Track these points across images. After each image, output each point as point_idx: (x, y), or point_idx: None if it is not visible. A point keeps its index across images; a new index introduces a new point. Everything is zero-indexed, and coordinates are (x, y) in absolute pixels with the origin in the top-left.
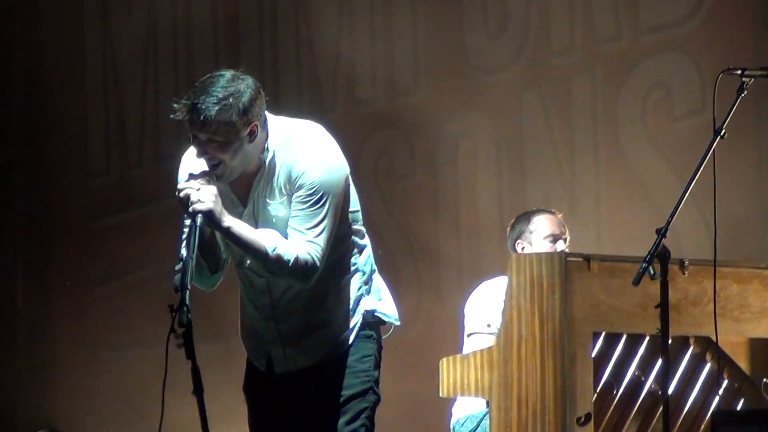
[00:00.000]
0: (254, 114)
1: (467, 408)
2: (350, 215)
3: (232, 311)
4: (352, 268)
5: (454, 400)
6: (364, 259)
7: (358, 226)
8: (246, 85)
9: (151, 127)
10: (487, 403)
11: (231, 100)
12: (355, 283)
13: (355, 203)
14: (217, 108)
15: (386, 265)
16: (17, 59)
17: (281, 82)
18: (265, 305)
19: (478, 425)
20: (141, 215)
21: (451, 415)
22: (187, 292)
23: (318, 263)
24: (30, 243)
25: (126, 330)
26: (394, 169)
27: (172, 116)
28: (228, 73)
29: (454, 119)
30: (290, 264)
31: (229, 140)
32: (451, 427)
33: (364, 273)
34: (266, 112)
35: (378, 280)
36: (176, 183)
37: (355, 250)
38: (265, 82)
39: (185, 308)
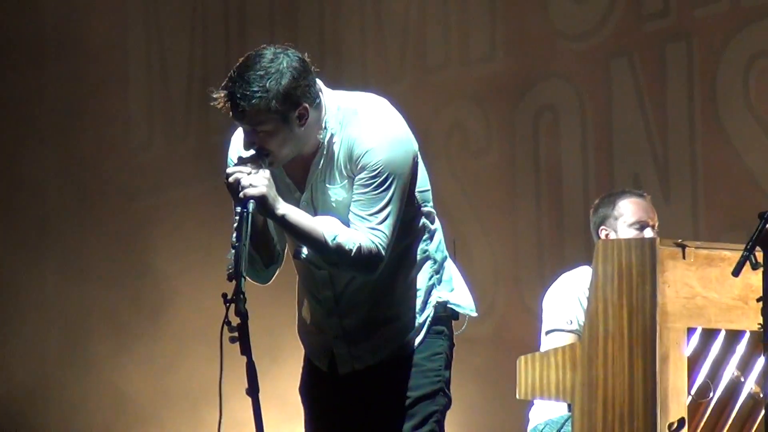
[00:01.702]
0: (301, 95)
1: (546, 412)
2: (419, 195)
3: (280, 299)
4: (422, 256)
5: (532, 403)
6: (435, 245)
7: (428, 208)
8: (288, 63)
9: (198, 98)
10: (569, 406)
11: (270, 84)
12: (426, 272)
13: (424, 182)
14: (255, 97)
15: (458, 252)
16: (52, 23)
17: (343, 49)
18: (328, 299)
19: None
20: (188, 195)
21: (528, 420)
22: (243, 280)
23: (383, 252)
24: (63, 228)
25: (172, 323)
26: (468, 145)
27: (212, 104)
28: (268, 52)
29: (534, 90)
30: (352, 254)
31: (275, 129)
32: None
33: (435, 260)
34: (321, 86)
35: (450, 268)
36: (226, 164)
37: (425, 235)
38: (326, 49)
39: (242, 297)
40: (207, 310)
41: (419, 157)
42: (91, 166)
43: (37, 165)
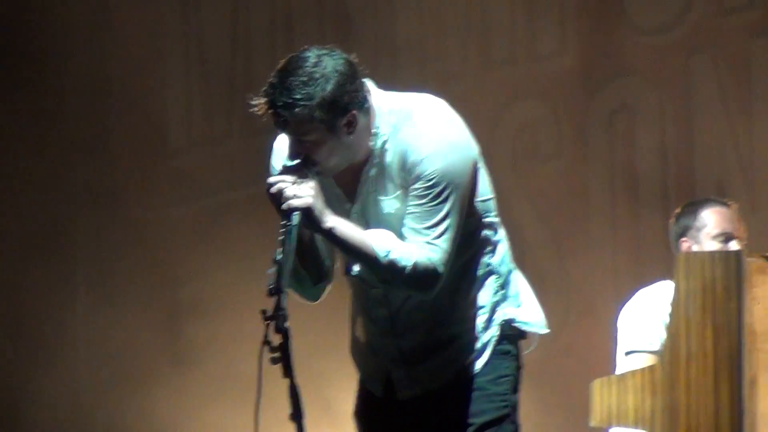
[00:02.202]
0: (348, 101)
1: None
2: (481, 206)
3: (328, 315)
4: (485, 270)
5: (607, 431)
6: (499, 258)
7: (491, 218)
8: (333, 66)
9: (240, 96)
10: None
11: (314, 91)
12: (490, 287)
13: (486, 191)
14: (298, 105)
15: (526, 265)
16: (81, 21)
17: (398, 45)
18: (383, 318)
19: None
20: (230, 199)
21: None
22: (284, 295)
23: (441, 269)
24: (94, 238)
25: (209, 342)
26: (537, 148)
27: (251, 110)
28: (311, 54)
29: (609, 87)
30: (407, 271)
31: (321, 138)
32: None
33: (499, 275)
34: (371, 87)
35: (517, 282)
36: (268, 172)
37: (488, 248)
38: (380, 46)
39: (282, 313)
40: (250, 330)
41: (480, 163)
42: (124, 172)
43: (64, 171)
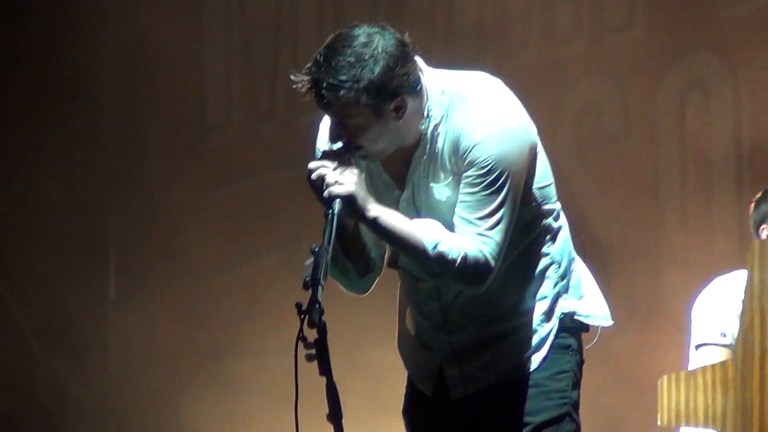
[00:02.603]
0: (397, 85)
1: None
2: (539, 192)
3: (370, 307)
4: (544, 260)
5: (677, 431)
6: (559, 247)
7: (551, 205)
8: (383, 47)
9: (284, 70)
10: None
11: (361, 74)
12: (549, 278)
13: (545, 176)
14: (343, 88)
15: (589, 253)
16: None
17: (456, 19)
18: (434, 313)
19: None
20: (271, 183)
21: None
22: (320, 288)
23: (493, 262)
24: (126, 221)
25: (245, 333)
26: (602, 129)
27: (294, 87)
28: (360, 33)
29: (680, 64)
30: (456, 265)
31: (367, 123)
32: None
33: (559, 265)
34: (423, 67)
35: (578, 272)
36: (313, 155)
37: (548, 237)
38: (436, 22)
39: (317, 306)
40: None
41: (539, 146)
42: (159, 151)
43: (95, 145)
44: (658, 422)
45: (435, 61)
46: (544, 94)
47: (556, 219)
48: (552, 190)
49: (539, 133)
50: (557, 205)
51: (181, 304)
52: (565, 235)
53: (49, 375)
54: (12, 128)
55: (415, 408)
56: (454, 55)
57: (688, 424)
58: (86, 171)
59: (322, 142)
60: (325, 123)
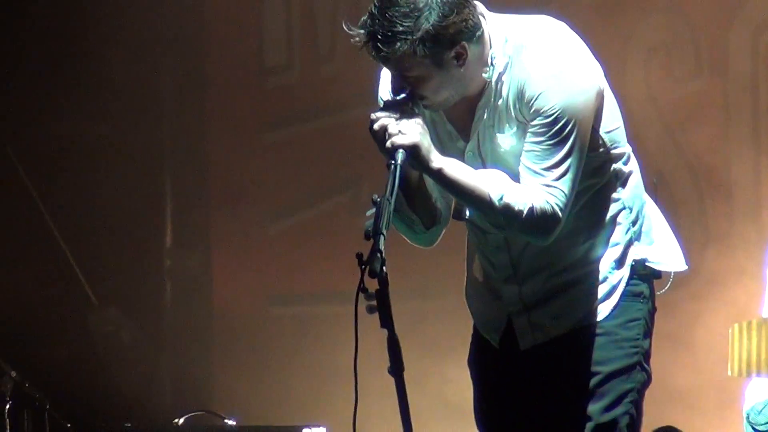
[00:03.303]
0: (455, 33)
1: (767, 391)
2: (607, 136)
3: (434, 258)
4: (615, 206)
5: (749, 379)
6: (630, 192)
7: (620, 149)
8: None
9: (347, 10)
10: None
11: (417, 24)
12: (621, 225)
13: (613, 119)
14: (399, 40)
15: (661, 197)
16: None
17: None
18: (503, 264)
19: None
20: (331, 125)
21: (744, 399)
22: (382, 238)
23: (560, 214)
24: (180, 163)
25: (305, 281)
26: (672, 68)
27: (352, 41)
28: None
29: (752, 2)
30: (523, 216)
31: (427, 74)
32: (745, 414)
33: (630, 209)
34: (484, 12)
35: (651, 216)
36: (377, 100)
37: (617, 181)
38: None
39: (379, 256)
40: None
41: (606, 89)
42: (215, 91)
43: (150, 86)
44: (729, 372)
45: (498, 1)
46: (613, 32)
47: (626, 163)
48: (621, 133)
49: (607, 74)
50: (627, 148)
51: (238, 250)
52: (636, 179)
53: (103, 321)
54: (74, 71)
55: (481, 358)
56: None
57: (759, 373)
58: (140, 112)
59: (384, 91)
60: (386, 71)
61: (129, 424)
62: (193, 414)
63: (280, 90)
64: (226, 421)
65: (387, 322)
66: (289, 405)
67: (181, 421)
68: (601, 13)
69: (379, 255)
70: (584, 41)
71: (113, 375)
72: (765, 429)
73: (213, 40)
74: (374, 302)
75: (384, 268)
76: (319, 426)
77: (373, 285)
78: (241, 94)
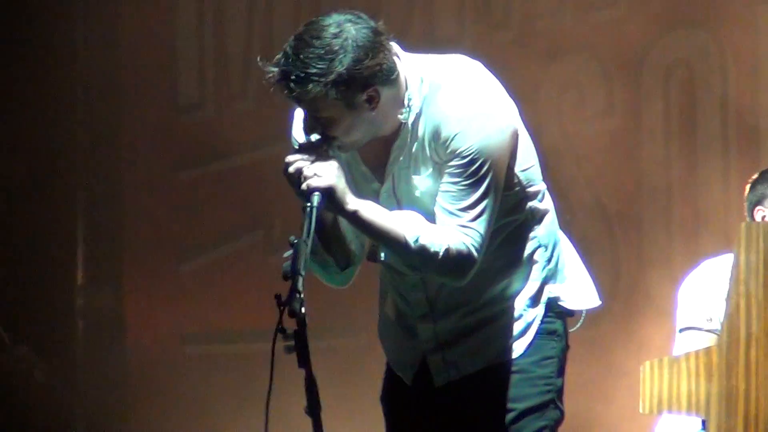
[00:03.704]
0: (369, 76)
1: (676, 429)
2: (522, 175)
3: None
4: (530, 244)
5: (659, 418)
6: (545, 229)
7: (535, 187)
8: (354, 37)
9: (260, 49)
10: (703, 423)
11: (328, 66)
12: (537, 262)
13: (528, 157)
14: (309, 84)
15: (572, 234)
16: None
17: None
18: (419, 302)
19: None
20: (245, 164)
21: None
22: (301, 278)
23: (476, 254)
24: (93, 201)
25: (218, 319)
26: (585, 107)
27: (264, 81)
28: (331, 23)
29: (663, 41)
30: (439, 258)
31: (338, 115)
32: None
33: (546, 247)
34: (400, 53)
35: (564, 253)
36: (290, 140)
37: (533, 219)
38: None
39: (298, 296)
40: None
41: (521, 128)
42: (128, 129)
43: (64, 123)
44: (640, 409)
45: (414, 38)
46: (526, 71)
47: (541, 200)
48: (536, 171)
49: (521, 112)
50: (542, 186)
51: (150, 288)
52: (551, 217)
53: (15, 359)
54: None
55: (394, 395)
56: (433, 30)
57: (670, 410)
58: (53, 149)
59: (297, 131)
60: (300, 112)
61: None
62: None
63: (194, 128)
64: None
65: (305, 362)
66: None
67: None
68: (515, 51)
69: (298, 295)
70: (498, 79)
71: (28, 414)
72: None
73: (126, 77)
74: (292, 342)
75: (303, 308)
76: None
77: (291, 325)
78: (153, 132)
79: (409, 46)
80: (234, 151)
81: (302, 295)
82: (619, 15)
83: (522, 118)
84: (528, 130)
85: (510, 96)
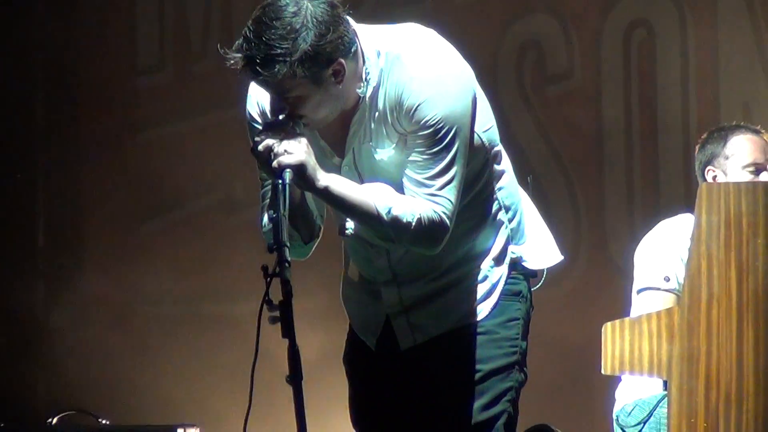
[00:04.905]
0: (332, 51)
1: (636, 391)
2: (485, 135)
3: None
4: (493, 206)
5: (619, 379)
6: (506, 192)
7: (495, 148)
8: (311, 15)
9: (220, 9)
10: (665, 383)
11: (292, 45)
12: (499, 222)
13: (487, 119)
14: (275, 65)
15: (534, 196)
16: None
17: None
18: (383, 269)
19: (650, 415)
20: (202, 125)
21: (614, 400)
22: (287, 249)
23: (448, 222)
24: (53, 165)
25: (178, 280)
26: (545, 68)
27: (228, 64)
28: (288, 2)
29: (626, 1)
30: (412, 228)
31: (307, 93)
32: (614, 416)
33: (507, 208)
34: (356, 27)
35: (525, 213)
36: (245, 117)
37: (495, 181)
38: None
39: (287, 265)
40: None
41: (478, 89)
42: (87, 93)
43: (23, 95)
44: (602, 370)
45: (373, 1)
46: (484, 31)
47: (500, 162)
48: (495, 132)
49: (478, 74)
50: (500, 147)
51: (109, 249)
52: (510, 176)
53: None
54: None
55: (358, 356)
56: None
57: (632, 372)
58: (11, 112)
59: (253, 107)
60: (255, 88)
61: (2, 424)
62: (66, 414)
63: (152, 90)
64: (99, 420)
65: (289, 332)
66: (163, 405)
67: (55, 420)
68: (474, 11)
69: (287, 264)
70: (455, 41)
71: None
72: (635, 431)
73: (77, 39)
74: (277, 313)
75: (289, 280)
76: (192, 426)
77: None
78: (111, 95)
79: (368, 8)
80: (195, 112)
81: (290, 264)
82: None
83: (479, 80)
84: (486, 91)
85: (469, 57)
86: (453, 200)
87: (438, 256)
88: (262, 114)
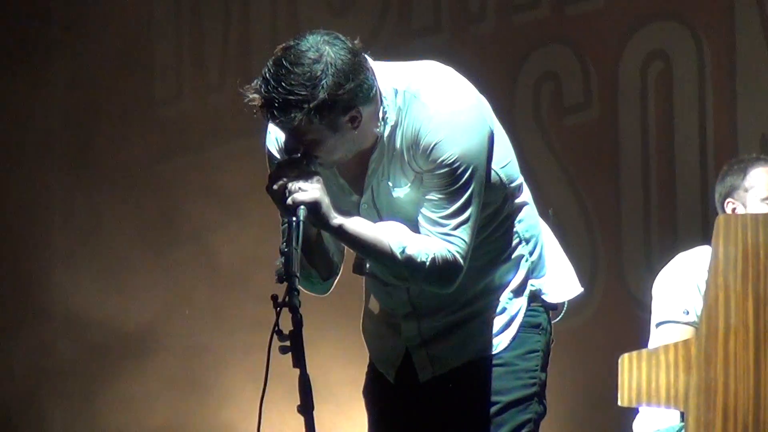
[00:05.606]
0: (350, 98)
1: (653, 423)
2: (503, 171)
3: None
4: (513, 239)
5: (637, 411)
6: (525, 224)
7: (516, 182)
8: (333, 59)
9: (237, 42)
10: (682, 415)
11: (311, 92)
12: (519, 255)
13: (505, 154)
14: (292, 111)
15: (552, 228)
16: None
17: None
18: (403, 302)
19: None
20: (223, 155)
21: (631, 431)
22: (297, 279)
23: (462, 262)
24: (71, 196)
25: (197, 315)
26: (562, 99)
27: (246, 102)
28: (310, 47)
29: (643, 32)
30: (426, 267)
31: (321, 138)
32: None
33: (527, 241)
34: (374, 67)
35: (543, 246)
36: (267, 155)
37: (514, 214)
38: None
39: (296, 293)
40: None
41: (496, 126)
42: (108, 123)
43: (42, 116)
44: (619, 402)
45: (390, 32)
46: (501, 63)
47: (519, 195)
48: (514, 166)
49: (495, 105)
50: (519, 180)
51: (104, 276)
52: (530, 209)
53: None
54: None
55: (377, 388)
56: (409, 24)
57: (649, 403)
58: (32, 147)
59: (272, 144)
60: (274, 127)
61: None
62: None
63: (173, 119)
64: None
65: (300, 361)
66: None
67: None
68: (490, 43)
69: (296, 292)
70: (472, 72)
71: None
72: None
73: (100, 76)
74: (288, 343)
75: (299, 310)
76: None
77: (286, 327)
78: (135, 125)
79: (385, 40)
80: (211, 143)
81: (298, 297)
82: (597, 5)
83: (496, 113)
84: (503, 124)
85: (486, 89)
86: (468, 240)
87: (457, 289)
88: (281, 150)
